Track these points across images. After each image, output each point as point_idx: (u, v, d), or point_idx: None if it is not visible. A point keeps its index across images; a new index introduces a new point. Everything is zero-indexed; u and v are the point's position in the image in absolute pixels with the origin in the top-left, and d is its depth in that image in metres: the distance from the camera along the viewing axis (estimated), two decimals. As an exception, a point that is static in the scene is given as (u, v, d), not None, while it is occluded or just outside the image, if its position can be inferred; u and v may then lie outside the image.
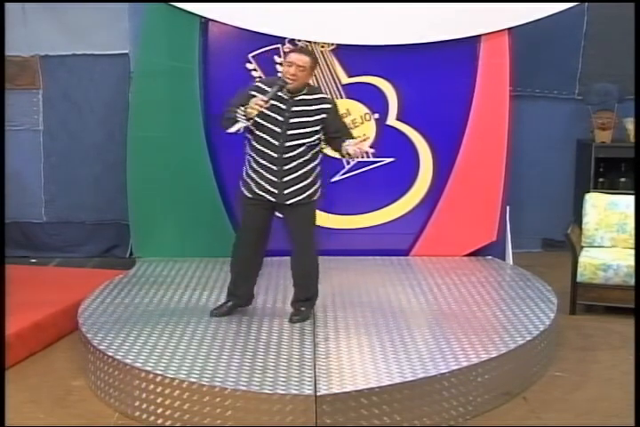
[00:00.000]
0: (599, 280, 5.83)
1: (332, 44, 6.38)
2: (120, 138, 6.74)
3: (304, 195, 4.83)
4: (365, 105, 6.48)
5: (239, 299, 5.08)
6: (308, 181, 4.83)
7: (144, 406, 4.11)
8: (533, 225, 7.52)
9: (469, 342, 4.53)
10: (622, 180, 7.24)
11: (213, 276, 5.96)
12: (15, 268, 5.99)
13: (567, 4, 6.31)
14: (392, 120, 6.50)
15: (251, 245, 4.96)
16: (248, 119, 4.60)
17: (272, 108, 4.70)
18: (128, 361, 4.24)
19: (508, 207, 6.56)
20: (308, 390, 3.88)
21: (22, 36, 6.97)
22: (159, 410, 4.06)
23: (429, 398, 4.06)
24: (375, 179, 6.54)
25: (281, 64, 5.86)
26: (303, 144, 4.75)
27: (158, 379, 4.06)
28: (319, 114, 4.78)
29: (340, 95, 6.44)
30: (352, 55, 6.35)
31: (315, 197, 4.91)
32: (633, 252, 5.92)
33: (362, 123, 6.50)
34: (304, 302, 5.01)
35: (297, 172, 4.78)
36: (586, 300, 5.92)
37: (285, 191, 4.80)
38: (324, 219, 6.42)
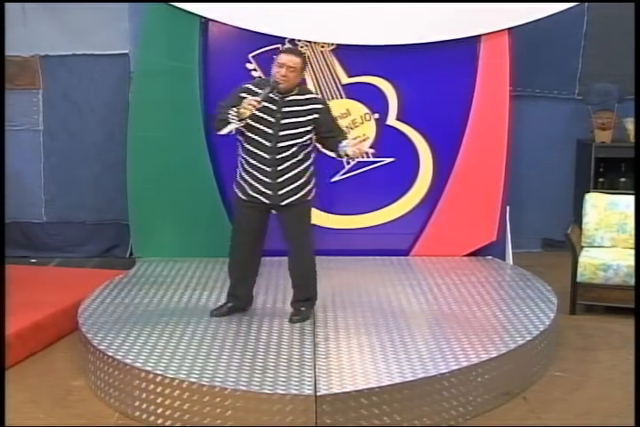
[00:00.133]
0: (599, 280, 5.83)
1: (332, 44, 6.39)
2: (120, 138, 6.74)
3: (298, 195, 4.83)
4: (365, 105, 6.48)
5: (239, 300, 5.08)
6: (302, 181, 4.83)
7: (144, 406, 4.11)
8: (533, 225, 7.52)
9: (469, 342, 4.53)
10: (622, 180, 7.24)
11: (213, 276, 5.96)
12: (15, 268, 5.99)
13: (567, 4, 6.31)
14: (392, 120, 6.50)
15: (247, 248, 4.96)
16: (240, 120, 4.61)
17: (263, 109, 4.70)
18: (128, 361, 4.24)
19: (507, 207, 6.56)
20: (308, 390, 3.88)
21: (22, 36, 6.97)
22: (159, 410, 4.06)
23: (429, 398, 4.06)
24: (375, 179, 6.54)
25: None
26: (295, 144, 4.75)
27: (158, 379, 4.06)
28: (311, 114, 4.78)
29: (340, 95, 6.45)
30: (352, 55, 6.35)
31: (309, 197, 4.91)
32: (633, 252, 5.92)
33: (362, 123, 6.50)
34: (304, 302, 5.01)
35: (290, 172, 4.78)
36: (586, 300, 5.92)
37: (279, 192, 4.80)
38: (323, 219, 6.44)
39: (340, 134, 4.91)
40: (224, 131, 4.69)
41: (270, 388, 3.92)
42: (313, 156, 4.90)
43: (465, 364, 4.22)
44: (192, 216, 6.45)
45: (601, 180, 7.26)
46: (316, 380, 3.99)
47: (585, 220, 6.28)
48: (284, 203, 4.83)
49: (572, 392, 4.55)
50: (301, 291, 5.02)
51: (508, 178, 6.50)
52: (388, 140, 6.50)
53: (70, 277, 6.24)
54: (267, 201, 4.83)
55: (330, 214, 6.52)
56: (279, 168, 4.76)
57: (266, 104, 4.71)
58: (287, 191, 4.81)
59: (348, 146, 4.73)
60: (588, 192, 6.59)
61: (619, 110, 7.15)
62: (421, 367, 4.15)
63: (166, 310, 5.17)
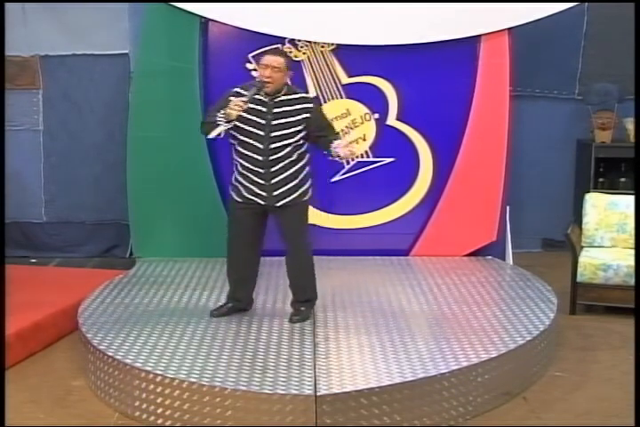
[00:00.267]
0: (599, 280, 5.83)
1: (332, 44, 6.39)
2: (120, 138, 6.74)
3: (293, 196, 4.82)
4: (365, 105, 6.48)
5: (239, 302, 5.08)
6: (296, 181, 4.82)
7: (144, 406, 4.11)
8: (533, 225, 7.52)
9: (469, 342, 4.53)
10: (622, 180, 7.24)
11: (213, 276, 5.96)
12: (15, 268, 5.99)
13: (567, 4, 6.31)
14: (392, 120, 6.50)
15: (244, 250, 4.95)
16: (228, 121, 4.61)
17: (253, 111, 4.70)
18: (128, 361, 4.24)
19: (507, 207, 6.56)
20: (308, 390, 3.88)
21: (22, 36, 6.98)
22: (159, 410, 4.06)
23: (429, 398, 4.06)
24: (375, 179, 6.55)
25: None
26: (288, 145, 4.74)
27: (158, 379, 4.06)
28: (301, 113, 4.77)
29: (340, 95, 6.45)
30: (352, 55, 6.35)
31: (305, 198, 4.90)
32: (633, 252, 5.92)
33: (362, 123, 6.50)
34: (303, 302, 5.01)
35: (284, 173, 4.78)
36: (586, 300, 5.92)
37: (274, 193, 4.79)
38: (323, 219, 6.45)
39: (332, 133, 4.89)
40: (212, 134, 4.71)
41: (270, 388, 3.92)
42: (307, 156, 4.89)
43: (465, 364, 4.22)
44: (192, 216, 6.45)
45: (601, 180, 7.26)
46: (315, 380, 3.99)
47: (585, 220, 6.28)
48: (278, 204, 4.82)
49: (572, 392, 4.55)
50: (300, 291, 5.02)
51: (507, 178, 6.50)
52: (387, 140, 6.50)
53: (70, 277, 6.24)
54: (262, 202, 4.82)
55: (330, 214, 6.52)
56: (272, 169, 4.76)
57: (256, 106, 4.70)
58: (282, 192, 4.80)
59: (339, 147, 4.72)
60: (588, 192, 6.59)
61: (619, 110, 7.15)
62: (421, 367, 4.15)
63: (166, 310, 5.17)
